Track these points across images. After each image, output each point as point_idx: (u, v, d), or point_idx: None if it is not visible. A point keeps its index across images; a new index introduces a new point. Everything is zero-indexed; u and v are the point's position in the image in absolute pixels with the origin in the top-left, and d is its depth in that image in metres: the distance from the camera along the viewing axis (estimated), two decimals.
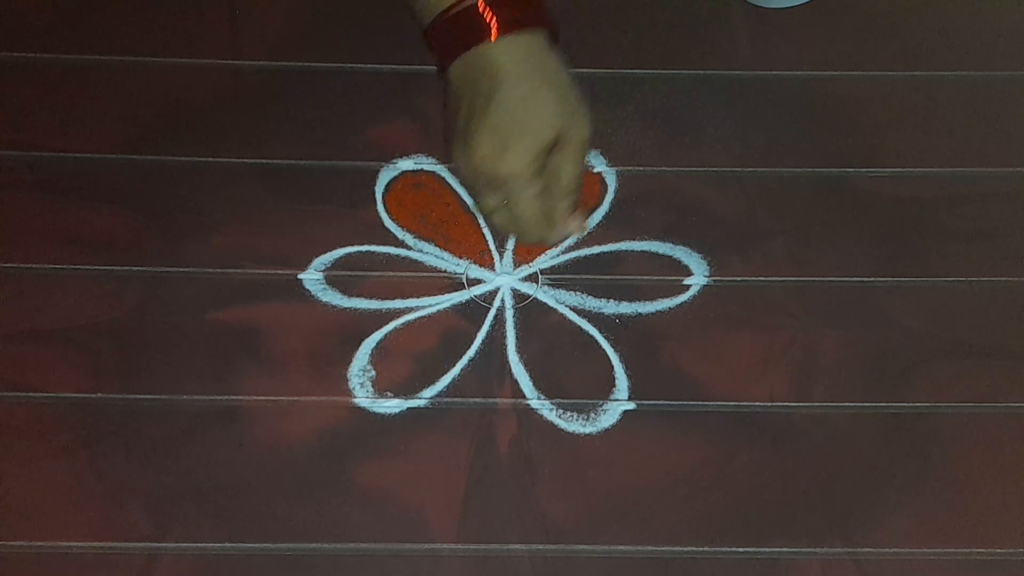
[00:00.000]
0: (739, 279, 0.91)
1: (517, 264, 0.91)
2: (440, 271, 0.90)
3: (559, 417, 0.84)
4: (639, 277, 0.90)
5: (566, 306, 0.89)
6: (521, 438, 0.83)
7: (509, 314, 0.89)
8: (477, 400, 0.84)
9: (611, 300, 0.89)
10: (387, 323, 0.87)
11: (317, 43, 1.02)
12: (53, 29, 1.01)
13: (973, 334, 0.88)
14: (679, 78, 1.01)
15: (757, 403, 0.85)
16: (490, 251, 0.92)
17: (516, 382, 0.85)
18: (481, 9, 0.75)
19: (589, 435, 0.83)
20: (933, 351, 0.88)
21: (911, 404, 0.85)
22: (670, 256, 0.91)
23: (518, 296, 0.90)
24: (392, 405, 0.84)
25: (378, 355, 0.86)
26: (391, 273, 0.90)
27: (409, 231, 0.92)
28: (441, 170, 0.95)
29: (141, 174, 0.94)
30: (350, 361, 0.85)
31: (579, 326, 0.88)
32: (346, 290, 0.89)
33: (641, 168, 0.95)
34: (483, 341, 0.87)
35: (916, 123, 1.00)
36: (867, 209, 0.95)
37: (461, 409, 0.84)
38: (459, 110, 0.77)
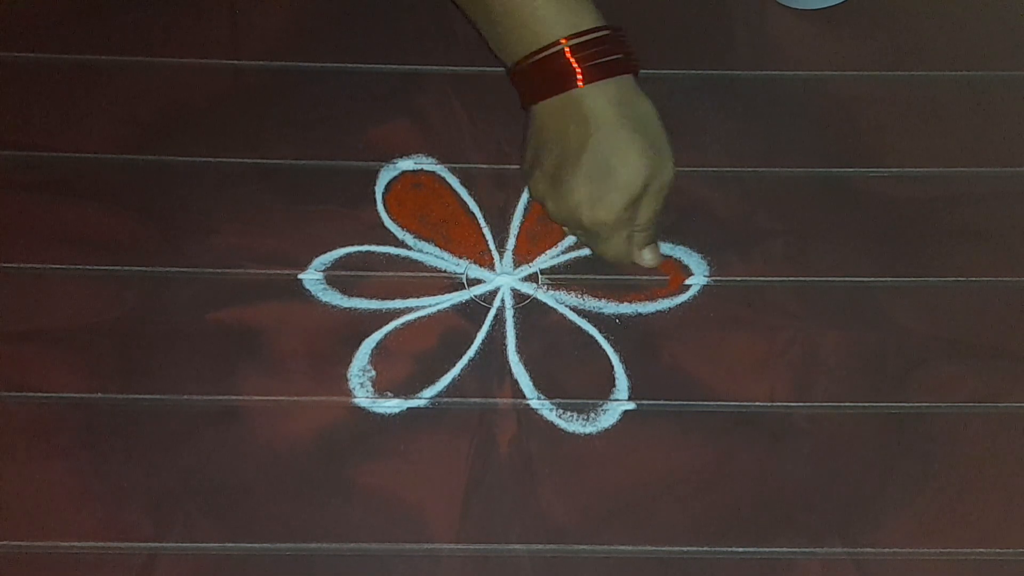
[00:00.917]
0: (739, 279, 0.91)
1: (517, 264, 0.91)
2: (440, 271, 0.90)
3: (559, 417, 0.84)
4: (639, 277, 0.90)
5: (566, 306, 0.89)
6: (521, 438, 0.83)
7: (509, 314, 0.89)
8: (477, 400, 0.84)
9: (611, 300, 0.89)
10: (387, 323, 0.87)
11: (317, 43, 1.02)
12: (53, 29, 1.00)
13: (973, 334, 0.88)
14: (679, 78, 1.01)
15: (757, 403, 0.85)
16: (490, 251, 0.92)
17: (516, 382, 0.85)
18: (568, 55, 0.75)
19: (589, 435, 0.83)
20: (933, 351, 0.88)
21: (911, 404, 0.85)
22: (670, 256, 0.91)
23: (518, 296, 0.90)
24: (392, 405, 0.84)
25: (378, 355, 0.86)
26: (391, 273, 0.90)
27: (409, 231, 0.92)
28: (441, 170, 0.95)
29: (141, 174, 0.94)
30: (350, 361, 0.85)
31: (579, 326, 0.88)
32: (346, 290, 0.89)
33: None
34: (483, 341, 0.87)
35: (916, 123, 1.00)
36: (867, 209, 0.95)
37: (461, 409, 0.84)
38: (544, 148, 0.79)
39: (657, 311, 0.89)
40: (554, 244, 0.92)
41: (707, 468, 0.82)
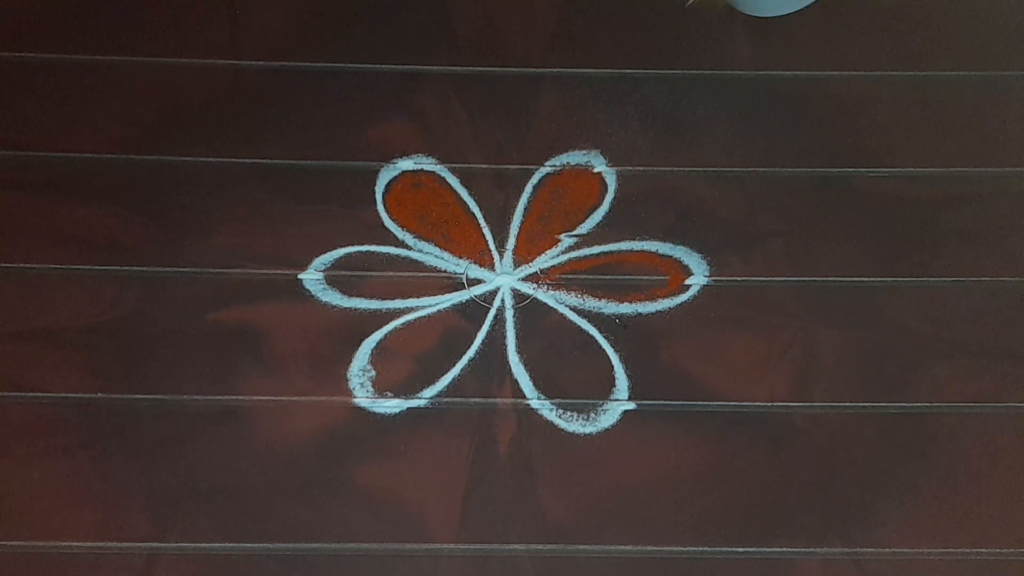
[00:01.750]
0: (739, 279, 0.91)
1: (517, 264, 0.91)
2: (440, 271, 0.90)
3: (559, 417, 0.84)
4: (639, 277, 0.90)
5: (566, 306, 0.89)
6: (521, 438, 0.83)
7: (509, 314, 0.89)
8: (477, 400, 0.84)
9: (611, 300, 0.89)
10: (387, 323, 0.87)
11: (317, 43, 1.01)
12: (53, 29, 1.00)
13: (973, 334, 0.88)
14: (679, 78, 1.00)
15: (757, 403, 0.85)
16: (490, 251, 0.92)
17: (516, 382, 0.85)
18: None
19: (589, 435, 0.83)
20: (933, 351, 0.88)
21: (911, 404, 0.85)
22: (670, 256, 0.91)
23: (518, 296, 0.90)
24: (392, 405, 0.84)
25: (378, 355, 0.86)
26: (391, 273, 0.90)
27: (409, 231, 0.92)
28: (441, 170, 0.95)
29: (141, 174, 0.94)
30: (350, 361, 0.85)
31: (579, 326, 0.88)
32: (346, 290, 0.89)
33: (641, 168, 0.95)
34: (483, 341, 0.87)
35: (916, 123, 1.00)
36: (867, 209, 0.95)
37: (461, 409, 0.84)
38: None
39: (657, 311, 0.89)
40: (554, 244, 0.92)
41: (707, 468, 0.82)
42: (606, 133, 0.97)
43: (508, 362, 0.86)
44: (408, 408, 0.83)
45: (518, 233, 0.92)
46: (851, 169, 0.97)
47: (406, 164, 0.95)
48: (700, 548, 0.78)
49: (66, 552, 0.76)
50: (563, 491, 0.80)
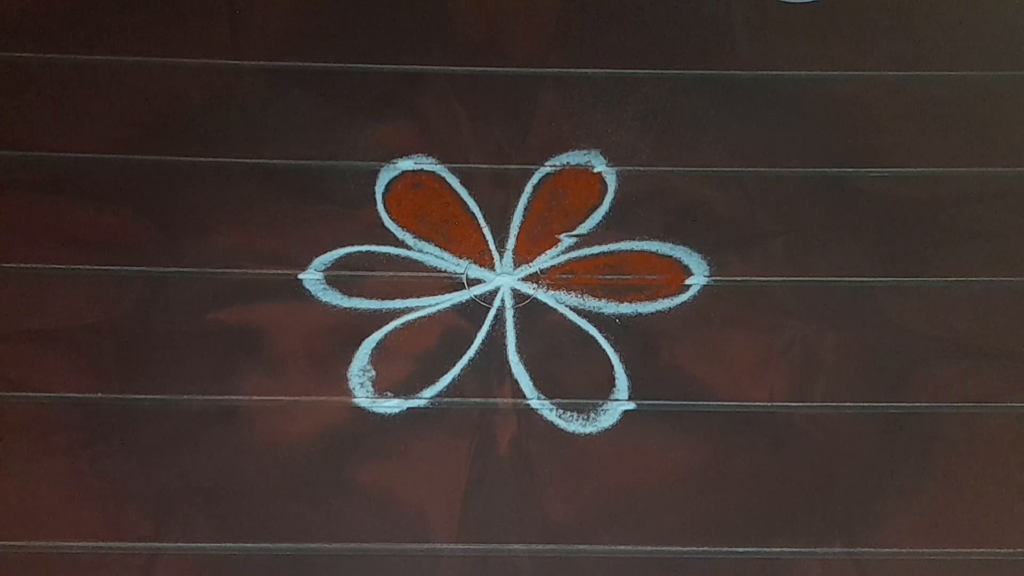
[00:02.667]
0: (739, 279, 0.91)
1: (517, 264, 0.91)
2: (440, 271, 0.90)
3: (559, 417, 0.84)
4: (639, 277, 0.90)
5: (566, 306, 0.89)
6: (521, 438, 0.83)
7: (509, 314, 0.89)
8: (477, 400, 0.84)
9: (611, 300, 0.89)
10: (387, 323, 0.87)
11: (317, 43, 1.01)
12: (53, 29, 1.00)
13: (973, 334, 0.88)
14: (679, 78, 1.00)
15: (757, 403, 0.85)
16: (490, 251, 0.92)
17: (516, 382, 0.85)
18: None
19: (589, 435, 0.83)
20: (933, 351, 0.88)
21: (911, 404, 0.85)
22: (670, 256, 0.91)
23: (518, 296, 0.90)
24: (392, 405, 0.84)
25: (378, 355, 0.86)
26: (391, 273, 0.90)
27: (409, 231, 0.92)
28: (441, 170, 0.95)
29: (141, 174, 0.94)
30: (350, 361, 0.86)
31: (579, 326, 0.88)
32: (346, 290, 0.89)
33: (641, 168, 0.95)
34: (483, 341, 0.87)
35: (916, 123, 1.00)
36: (867, 209, 0.95)
37: (461, 409, 0.84)
38: None
39: (657, 311, 0.89)
40: (554, 244, 0.92)
41: (707, 468, 0.82)
42: (606, 133, 0.97)
43: (508, 362, 0.86)
44: (408, 408, 0.83)
45: (518, 233, 0.92)
46: (851, 169, 0.97)
47: (406, 164, 0.95)
48: (700, 548, 0.78)
49: (66, 552, 0.76)
50: (563, 491, 0.80)
